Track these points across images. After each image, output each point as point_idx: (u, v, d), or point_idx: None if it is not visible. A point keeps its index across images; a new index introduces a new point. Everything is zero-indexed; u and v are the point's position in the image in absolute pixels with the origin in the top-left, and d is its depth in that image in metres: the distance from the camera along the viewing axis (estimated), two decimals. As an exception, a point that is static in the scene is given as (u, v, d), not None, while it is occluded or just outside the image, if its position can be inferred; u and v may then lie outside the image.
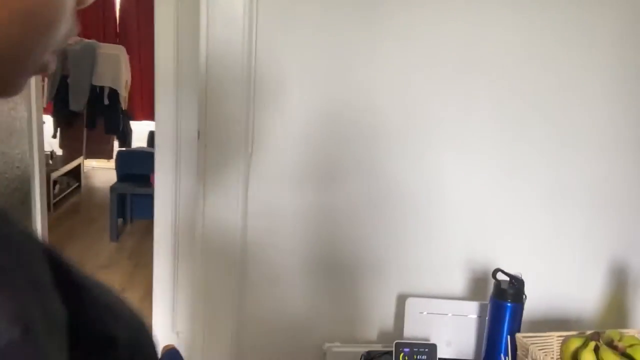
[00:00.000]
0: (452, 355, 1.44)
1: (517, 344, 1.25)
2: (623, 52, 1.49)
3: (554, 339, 1.28)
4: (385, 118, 1.44)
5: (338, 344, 1.51)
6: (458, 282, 1.55)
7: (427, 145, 1.46)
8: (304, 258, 1.49)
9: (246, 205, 1.43)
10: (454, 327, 1.43)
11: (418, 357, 1.35)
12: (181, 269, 2.10)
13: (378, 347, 1.49)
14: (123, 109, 5.03)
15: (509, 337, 1.29)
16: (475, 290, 1.56)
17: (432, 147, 1.46)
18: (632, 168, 1.54)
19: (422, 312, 1.42)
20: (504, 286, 1.28)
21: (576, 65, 1.48)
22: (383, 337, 1.54)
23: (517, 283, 1.28)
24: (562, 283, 1.58)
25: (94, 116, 4.97)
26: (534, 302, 1.36)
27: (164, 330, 2.78)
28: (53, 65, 0.37)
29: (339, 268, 1.51)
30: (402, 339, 1.43)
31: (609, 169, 1.54)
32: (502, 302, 1.28)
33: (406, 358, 1.34)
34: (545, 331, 1.27)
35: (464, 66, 1.43)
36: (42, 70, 0.37)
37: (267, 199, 1.45)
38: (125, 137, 5.32)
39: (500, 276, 1.30)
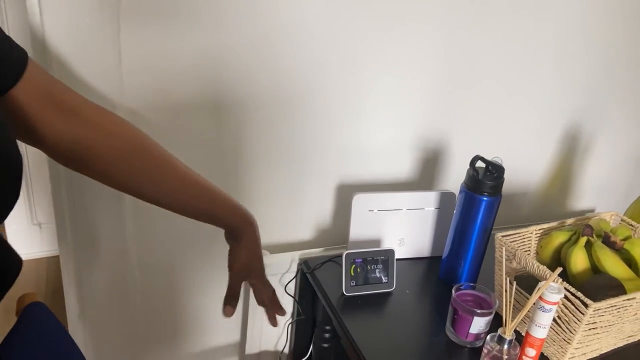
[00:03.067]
0: (405, 254, 1.20)
1: (496, 244, 1.03)
2: None
3: (532, 234, 1.09)
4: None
5: (266, 252, 1.19)
6: (403, 168, 1.27)
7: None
8: (212, 148, 1.09)
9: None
10: (409, 224, 1.18)
11: (373, 266, 1.09)
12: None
13: (316, 253, 1.21)
14: None
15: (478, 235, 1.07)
16: (421, 176, 1.30)
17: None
18: (608, 15, 1.29)
19: (372, 210, 1.14)
20: (481, 177, 1.02)
21: None
22: (320, 239, 1.25)
23: (496, 172, 1.02)
24: (515, 158, 1.38)
25: None
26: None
27: (20, 223, 2.27)
28: None
29: (261, 158, 1.14)
30: (346, 243, 1.16)
31: (582, 18, 1.27)
32: (478, 196, 1.03)
33: (358, 270, 1.08)
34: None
35: None
36: None
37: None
38: None
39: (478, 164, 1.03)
